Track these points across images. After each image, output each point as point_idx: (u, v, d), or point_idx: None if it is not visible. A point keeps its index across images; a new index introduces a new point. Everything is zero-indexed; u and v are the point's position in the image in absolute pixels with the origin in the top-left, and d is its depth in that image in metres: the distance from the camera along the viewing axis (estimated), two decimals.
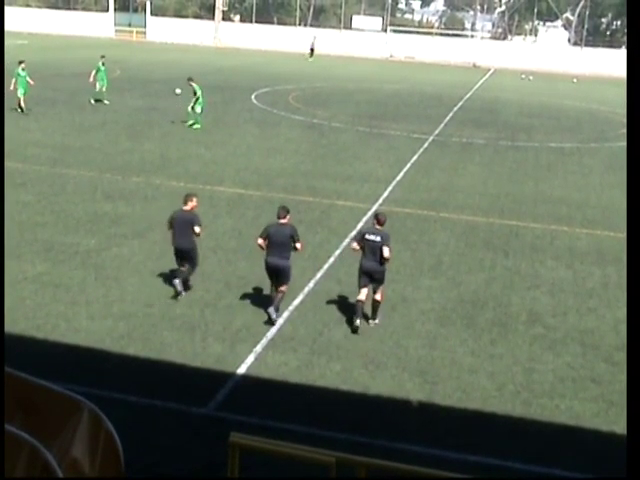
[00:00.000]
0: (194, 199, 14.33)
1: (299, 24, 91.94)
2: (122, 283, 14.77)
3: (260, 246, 13.58)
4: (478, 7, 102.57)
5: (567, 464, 10.00)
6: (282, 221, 13.53)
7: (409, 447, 10.00)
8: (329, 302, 14.58)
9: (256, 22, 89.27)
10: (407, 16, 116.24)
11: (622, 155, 30.18)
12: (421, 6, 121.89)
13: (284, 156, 27.40)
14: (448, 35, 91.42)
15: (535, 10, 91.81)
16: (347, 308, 14.33)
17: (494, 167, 28.08)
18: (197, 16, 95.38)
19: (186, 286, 14.36)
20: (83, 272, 15.24)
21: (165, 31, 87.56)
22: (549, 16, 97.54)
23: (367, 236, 13.51)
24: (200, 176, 23.49)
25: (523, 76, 68.48)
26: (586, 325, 14.39)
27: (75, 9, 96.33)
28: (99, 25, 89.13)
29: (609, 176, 27.65)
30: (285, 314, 13.86)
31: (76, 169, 23.36)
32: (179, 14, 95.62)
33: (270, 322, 13.36)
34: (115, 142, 28.01)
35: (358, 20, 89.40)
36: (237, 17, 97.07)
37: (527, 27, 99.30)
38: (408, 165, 27.27)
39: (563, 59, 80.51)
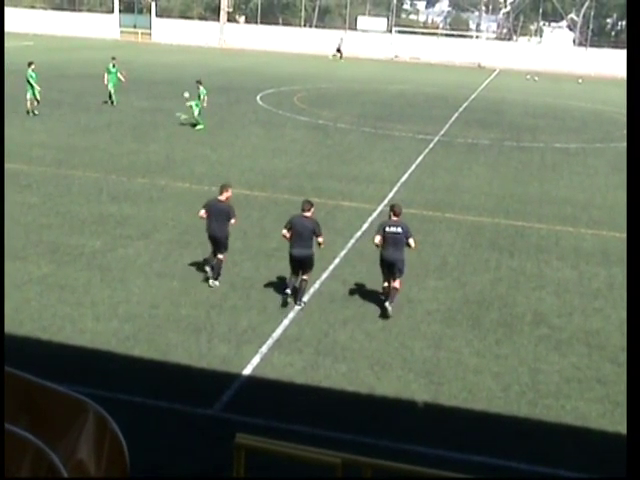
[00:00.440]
0: (229, 190, 15.14)
1: (304, 25, 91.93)
2: (127, 284, 14.79)
3: (284, 236, 14.26)
4: (483, 8, 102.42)
5: (572, 465, 9.98)
6: (306, 214, 14.19)
7: (415, 448, 9.99)
8: (335, 303, 14.58)
9: (261, 23, 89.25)
10: (412, 17, 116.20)
11: None
12: (426, 7, 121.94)
13: (289, 157, 27.41)
14: (453, 36, 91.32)
15: (540, 11, 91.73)
16: (353, 309, 14.33)
17: (499, 168, 28.06)
18: (202, 17, 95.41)
19: (218, 274, 15.07)
20: (88, 273, 15.26)
21: (170, 32, 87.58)
22: (554, 17, 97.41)
23: (387, 228, 14.03)
24: (205, 177, 23.50)
25: (528, 77, 68.36)
26: (592, 326, 14.37)
27: (80, 10, 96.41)
28: (104, 26, 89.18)
29: (614, 176, 27.60)
30: (290, 315, 13.87)
31: (81, 170, 23.39)
32: (184, 15, 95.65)
33: (295, 302, 14.23)
34: (120, 143, 28.04)
35: (363, 21, 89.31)
36: (242, 18, 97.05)
37: (532, 28, 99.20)
38: (413, 166, 27.25)
39: (568, 60, 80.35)
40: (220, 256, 15.12)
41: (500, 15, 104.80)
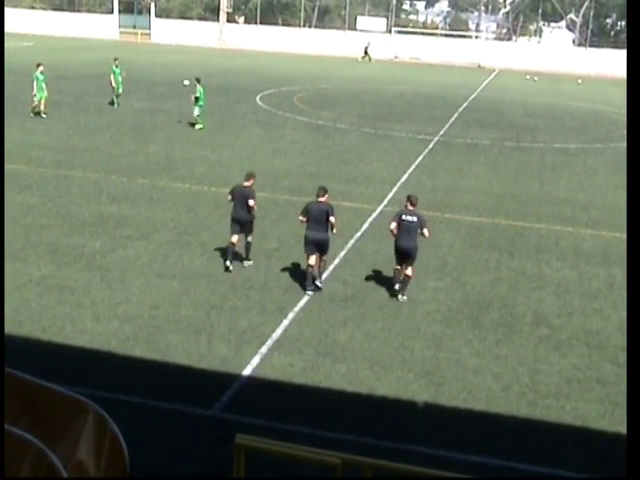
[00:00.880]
0: (254, 177, 16.19)
1: (304, 25, 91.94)
2: (127, 285, 14.79)
3: (301, 221, 15.11)
4: (482, 8, 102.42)
5: (572, 465, 9.99)
6: (320, 199, 14.95)
7: (415, 448, 10.00)
8: (334, 303, 14.58)
9: (261, 23, 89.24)
10: (411, 17, 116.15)
11: None
12: (425, 7, 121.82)
13: (289, 157, 27.41)
14: (452, 36, 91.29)
15: (540, 11, 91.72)
16: (353, 309, 14.33)
17: (499, 168, 28.06)
18: (201, 18, 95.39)
19: (247, 257, 16.18)
20: (88, 274, 15.26)
21: (170, 33, 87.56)
22: (554, 17, 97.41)
23: (404, 217, 14.71)
24: (205, 178, 23.51)
25: (528, 77, 68.36)
26: (591, 326, 14.37)
27: (80, 11, 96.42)
28: (104, 27, 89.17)
29: (614, 177, 27.60)
30: (290, 315, 13.87)
31: (81, 171, 23.39)
32: (183, 16, 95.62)
33: (314, 284, 15.01)
34: (120, 144, 28.04)
35: (362, 21, 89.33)
36: (242, 19, 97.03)
37: (532, 28, 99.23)
38: (413, 166, 27.26)
39: (568, 60, 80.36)
40: (249, 239, 16.07)
41: (499, 15, 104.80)
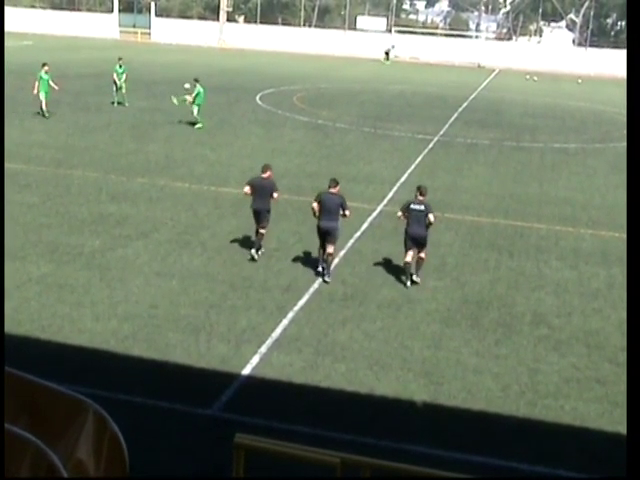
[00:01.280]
0: (270, 169, 16.61)
1: (304, 25, 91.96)
2: (127, 284, 14.78)
3: (313, 209, 15.56)
4: (483, 8, 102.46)
5: (572, 465, 9.98)
6: (332, 190, 15.50)
7: (414, 448, 9.99)
8: (334, 303, 14.58)
9: (260, 23, 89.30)
10: (411, 17, 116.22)
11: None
12: (425, 7, 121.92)
13: (288, 157, 27.41)
14: (453, 36, 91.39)
15: (540, 11, 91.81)
16: (352, 309, 14.33)
17: (499, 168, 28.06)
18: (201, 17, 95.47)
19: (259, 246, 16.65)
20: (88, 273, 15.25)
21: (169, 32, 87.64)
22: (554, 17, 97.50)
23: (412, 206, 15.50)
24: (205, 177, 23.51)
25: (528, 77, 68.41)
26: (591, 326, 14.37)
27: (79, 10, 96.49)
28: (103, 26, 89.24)
29: (614, 177, 27.62)
30: (290, 315, 13.87)
31: (81, 170, 23.38)
32: (183, 15, 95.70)
33: (322, 279, 15.65)
34: (120, 143, 28.04)
35: (362, 21, 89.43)
36: (241, 18, 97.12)
37: (532, 28, 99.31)
38: (413, 166, 27.26)
39: (568, 60, 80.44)
40: (262, 230, 16.51)
41: (500, 15, 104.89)
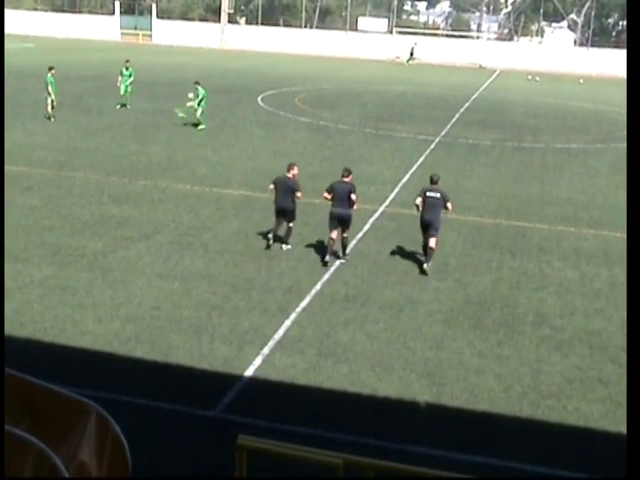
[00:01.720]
0: (295, 168, 17.43)
1: (305, 26, 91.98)
2: (129, 286, 14.79)
3: (325, 198, 16.69)
4: (484, 8, 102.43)
5: (574, 465, 9.98)
6: (344, 179, 16.56)
7: (417, 449, 9.99)
8: (336, 304, 14.57)
9: (262, 24, 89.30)
10: (413, 17, 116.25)
11: None
12: (427, 7, 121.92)
13: (290, 158, 27.19)
14: (454, 36, 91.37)
15: (541, 11, 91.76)
16: (354, 310, 14.33)
17: (500, 168, 28.06)
18: (203, 19, 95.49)
19: (286, 242, 17.43)
20: (90, 275, 15.26)
21: (171, 34, 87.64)
22: (555, 17, 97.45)
23: (428, 193, 16.43)
24: (207, 178, 23.52)
25: (529, 77, 68.37)
26: (593, 326, 14.36)
27: (81, 12, 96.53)
28: (105, 28, 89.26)
29: (615, 177, 27.60)
30: (292, 316, 13.87)
31: (82, 172, 23.40)
32: (185, 17, 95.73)
33: (338, 260, 16.70)
34: (121, 145, 28.05)
35: (364, 22, 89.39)
36: (243, 19, 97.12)
37: (533, 28, 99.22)
38: (415, 166, 27.25)
39: (569, 60, 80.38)
40: (290, 224, 17.35)
41: (501, 15, 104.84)
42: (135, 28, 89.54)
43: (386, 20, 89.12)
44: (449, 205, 16.46)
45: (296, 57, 77.99)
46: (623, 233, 19.94)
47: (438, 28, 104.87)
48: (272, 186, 17.36)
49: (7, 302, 13.02)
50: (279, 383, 11.56)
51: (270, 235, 17.27)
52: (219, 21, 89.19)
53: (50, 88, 31.57)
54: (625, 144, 33.67)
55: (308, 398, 11.25)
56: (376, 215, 20.70)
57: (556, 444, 10.41)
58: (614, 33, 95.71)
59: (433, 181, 16.66)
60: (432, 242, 16.44)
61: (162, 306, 13.92)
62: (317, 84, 52.94)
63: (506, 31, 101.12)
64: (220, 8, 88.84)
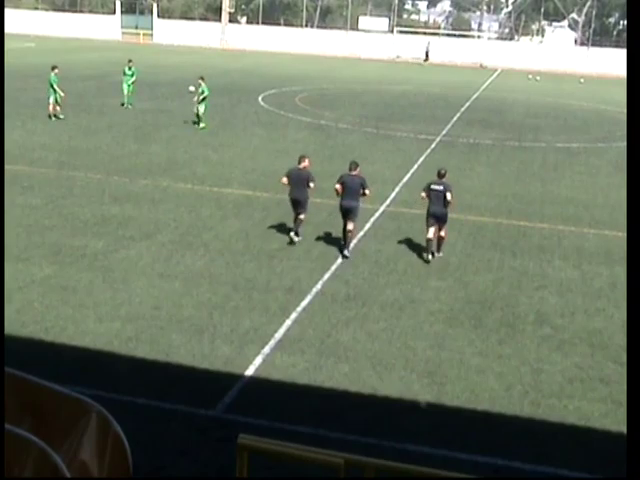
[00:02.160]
0: (307, 160, 17.89)
1: (306, 25, 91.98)
2: (130, 285, 14.79)
3: (336, 190, 17.01)
4: (485, 7, 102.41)
5: (575, 464, 9.97)
6: (353, 172, 17.05)
7: (418, 448, 9.99)
8: (337, 303, 14.57)
9: (263, 24, 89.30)
10: (413, 17, 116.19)
11: None
12: (427, 7, 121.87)
13: (291, 157, 27.25)
14: (455, 36, 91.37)
15: (542, 10, 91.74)
16: (355, 309, 14.33)
17: (501, 167, 28.05)
18: (204, 18, 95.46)
19: (297, 230, 17.68)
20: (91, 274, 15.26)
21: (172, 33, 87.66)
22: (556, 16, 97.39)
23: (432, 186, 17.03)
24: (207, 178, 23.52)
25: (530, 76, 68.36)
26: (594, 325, 14.36)
27: (82, 12, 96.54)
28: (106, 27, 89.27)
29: (616, 176, 27.60)
30: (293, 315, 13.87)
31: (83, 172, 23.40)
32: (186, 16, 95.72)
33: (341, 254, 17.06)
34: (122, 144, 28.05)
35: (364, 21, 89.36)
36: (244, 19, 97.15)
37: (534, 27, 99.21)
38: (415, 166, 27.25)
39: (570, 59, 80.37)
40: (301, 216, 17.59)
41: (502, 15, 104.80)
42: (136, 27, 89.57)
43: (387, 19, 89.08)
44: (448, 195, 16.75)
45: (297, 56, 78.00)
46: (624, 232, 19.92)
47: (439, 27, 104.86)
48: (285, 179, 17.66)
49: (8, 302, 13.03)
50: (280, 383, 11.57)
51: (292, 234, 17.58)
52: (220, 20, 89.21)
53: (55, 86, 31.56)
54: (626, 143, 33.66)
55: (309, 398, 11.25)
56: (377, 214, 20.70)
57: (557, 443, 10.41)
58: (615, 32, 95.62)
59: (440, 175, 17.19)
60: (443, 232, 17.22)
61: (163, 306, 13.92)
62: (318, 83, 52.93)
63: (507, 30, 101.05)
64: (221, 7, 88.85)
